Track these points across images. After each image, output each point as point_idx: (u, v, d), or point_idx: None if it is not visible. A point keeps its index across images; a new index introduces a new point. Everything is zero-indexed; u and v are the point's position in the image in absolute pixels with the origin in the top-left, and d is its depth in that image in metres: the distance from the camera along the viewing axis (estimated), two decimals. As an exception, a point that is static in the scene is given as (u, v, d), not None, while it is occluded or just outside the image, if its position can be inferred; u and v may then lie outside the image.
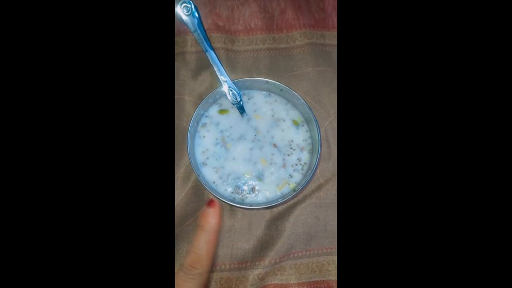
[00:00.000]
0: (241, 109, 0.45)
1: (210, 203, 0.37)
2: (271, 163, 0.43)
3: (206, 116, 0.45)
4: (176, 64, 0.49)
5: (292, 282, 0.45)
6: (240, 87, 0.45)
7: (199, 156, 0.44)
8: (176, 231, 0.45)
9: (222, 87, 0.43)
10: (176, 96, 0.48)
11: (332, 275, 0.45)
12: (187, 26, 0.43)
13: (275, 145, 0.44)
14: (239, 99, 0.44)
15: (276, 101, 0.46)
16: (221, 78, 0.43)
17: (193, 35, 0.44)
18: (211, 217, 0.36)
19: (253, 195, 0.43)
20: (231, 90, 0.43)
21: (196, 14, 0.43)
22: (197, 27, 0.43)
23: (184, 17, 0.42)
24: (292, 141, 0.44)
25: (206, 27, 0.50)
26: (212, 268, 0.45)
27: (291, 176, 0.43)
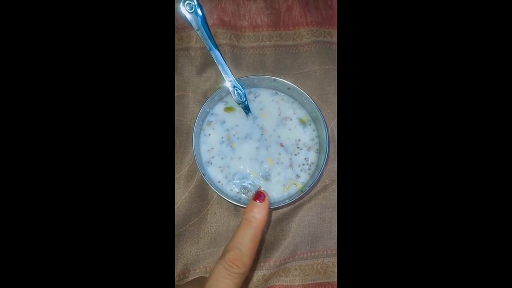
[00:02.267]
0: (247, 109, 0.44)
1: (258, 196, 0.35)
2: (278, 163, 0.42)
3: (211, 114, 0.44)
4: (180, 60, 0.48)
5: (296, 283, 0.44)
6: (247, 84, 0.44)
7: (204, 155, 0.43)
8: (180, 230, 0.44)
9: (227, 85, 0.42)
10: (179, 93, 0.47)
11: (336, 277, 0.45)
12: (191, 24, 0.42)
13: (281, 144, 0.43)
14: (244, 99, 0.43)
15: (282, 99, 0.45)
16: (226, 77, 0.42)
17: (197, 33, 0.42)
18: (258, 212, 0.34)
19: None
20: (236, 90, 0.42)
21: (200, 12, 0.41)
22: (201, 25, 0.41)
23: (188, 15, 0.41)
24: (299, 140, 0.43)
25: (211, 22, 0.49)
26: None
27: (298, 176, 0.42)
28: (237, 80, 0.42)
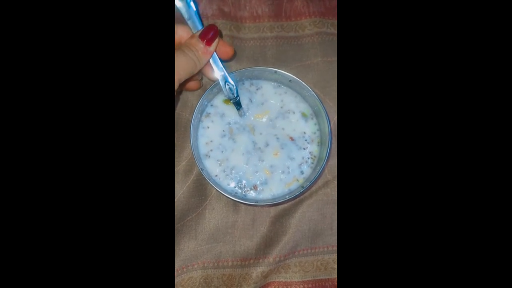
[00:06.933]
0: (238, 105, 0.41)
1: (205, 34, 0.36)
2: (278, 157, 0.41)
3: (211, 105, 0.43)
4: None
5: (296, 280, 0.43)
6: (248, 76, 0.43)
7: (202, 148, 0.42)
8: (177, 226, 0.43)
9: (218, 79, 0.39)
10: (177, 86, 0.46)
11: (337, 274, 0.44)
12: (180, 14, 0.37)
13: (289, 138, 0.42)
14: (236, 95, 0.40)
15: (286, 92, 0.43)
16: (217, 71, 0.39)
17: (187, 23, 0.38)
18: (201, 53, 0.36)
19: (258, 190, 0.41)
20: (228, 85, 0.39)
21: (192, 2, 0.38)
22: (192, 15, 0.37)
23: (178, 4, 0.37)
24: (304, 133, 0.42)
25: (210, 13, 0.48)
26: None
27: (300, 170, 0.42)
28: (237, 72, 0.41)
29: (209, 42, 0.36)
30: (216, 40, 0.36)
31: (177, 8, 0.37)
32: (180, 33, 0.37)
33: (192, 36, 0.36)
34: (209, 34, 0.36)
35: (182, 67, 0.34)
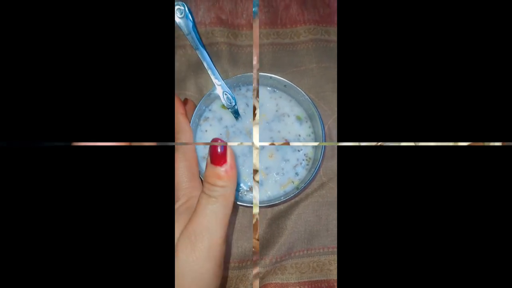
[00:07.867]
0: (236, 113, 0.43)
1: (215, 155, 0.27)
2: (275, 159, 0.43)
3: (209, 110, 0.44)
4: (177, 58, 0.48)
5: (292, 281, 0.44)
6: (244, 82, 0.44)
7: (200, 150, 0.43)
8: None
9: (216, 90, 0.42)
10: (177, 91, 0.47)
11: (333, 275, 0.45)
12: (180, 29, 0.41)
13: (284, 140, 0.43)
14: (234, 104, 0.42)
15: (280, 97, 0.45)
16: (215, 82, 0.42)
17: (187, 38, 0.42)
18: (222, 183, 0.27)
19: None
20: (226, 94, 0.42)
21: (190, 17, 0.41)
22: (191, 30, 0.41)
23: (177, 20, 0.41)
24: (299, 135, 0.44)
25: (208, 20, 0.49)
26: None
27: (296, 171, 0.43)
28: (233, 77, 0.42)
29: (223, 159, 0.27)
30: (229, 149, 0.28)
31: (177, 23, 0.40)
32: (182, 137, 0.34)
33: (206, 170, 0.28)
34: (218, 151, 0.27)
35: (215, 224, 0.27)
